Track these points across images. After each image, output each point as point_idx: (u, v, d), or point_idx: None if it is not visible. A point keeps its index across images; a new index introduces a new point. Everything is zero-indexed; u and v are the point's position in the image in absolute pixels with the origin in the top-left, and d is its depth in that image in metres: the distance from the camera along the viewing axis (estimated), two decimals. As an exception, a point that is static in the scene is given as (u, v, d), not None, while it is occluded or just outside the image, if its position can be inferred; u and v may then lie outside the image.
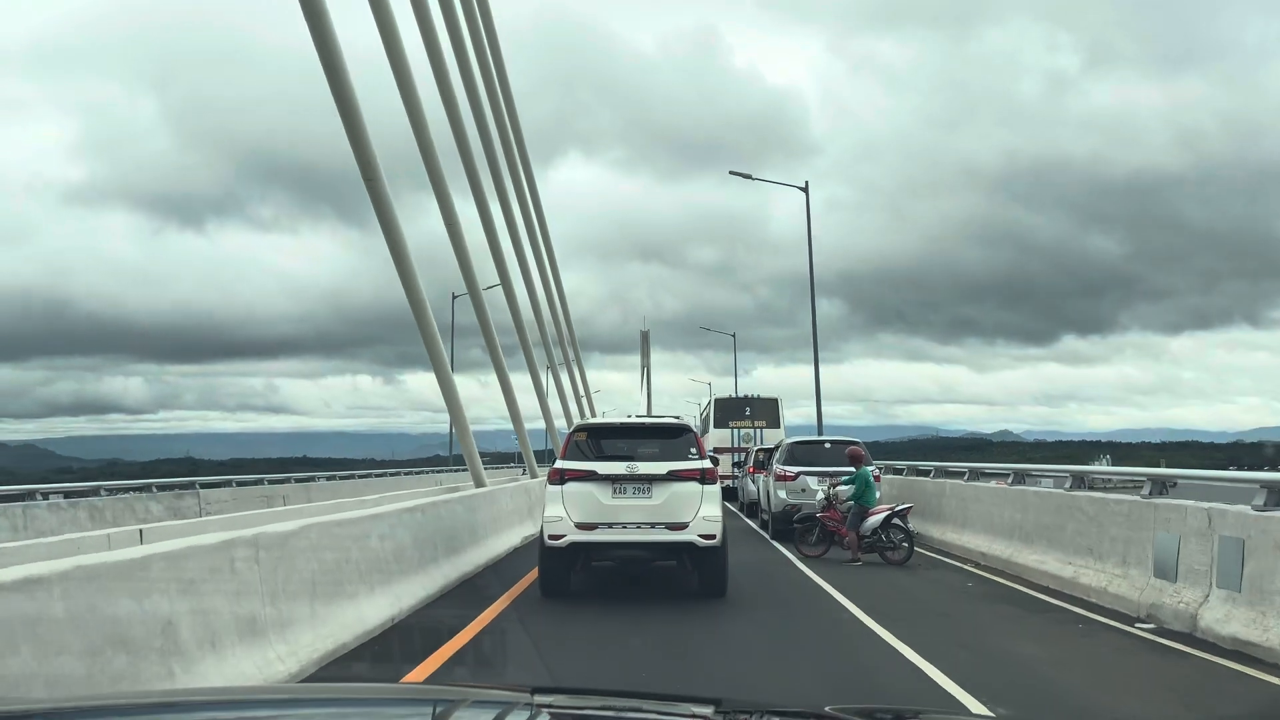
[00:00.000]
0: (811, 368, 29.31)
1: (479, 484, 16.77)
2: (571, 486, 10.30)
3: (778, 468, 17.51)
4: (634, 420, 12.79)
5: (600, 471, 10.25)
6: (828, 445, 17.59)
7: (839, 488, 14.62)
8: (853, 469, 14.70)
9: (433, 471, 48.68)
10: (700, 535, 10.10)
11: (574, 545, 10.24)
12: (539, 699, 2.24)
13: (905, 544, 13.86)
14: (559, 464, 10.70)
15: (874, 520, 13.92)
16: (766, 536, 18.22)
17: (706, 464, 10.51)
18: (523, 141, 25.28)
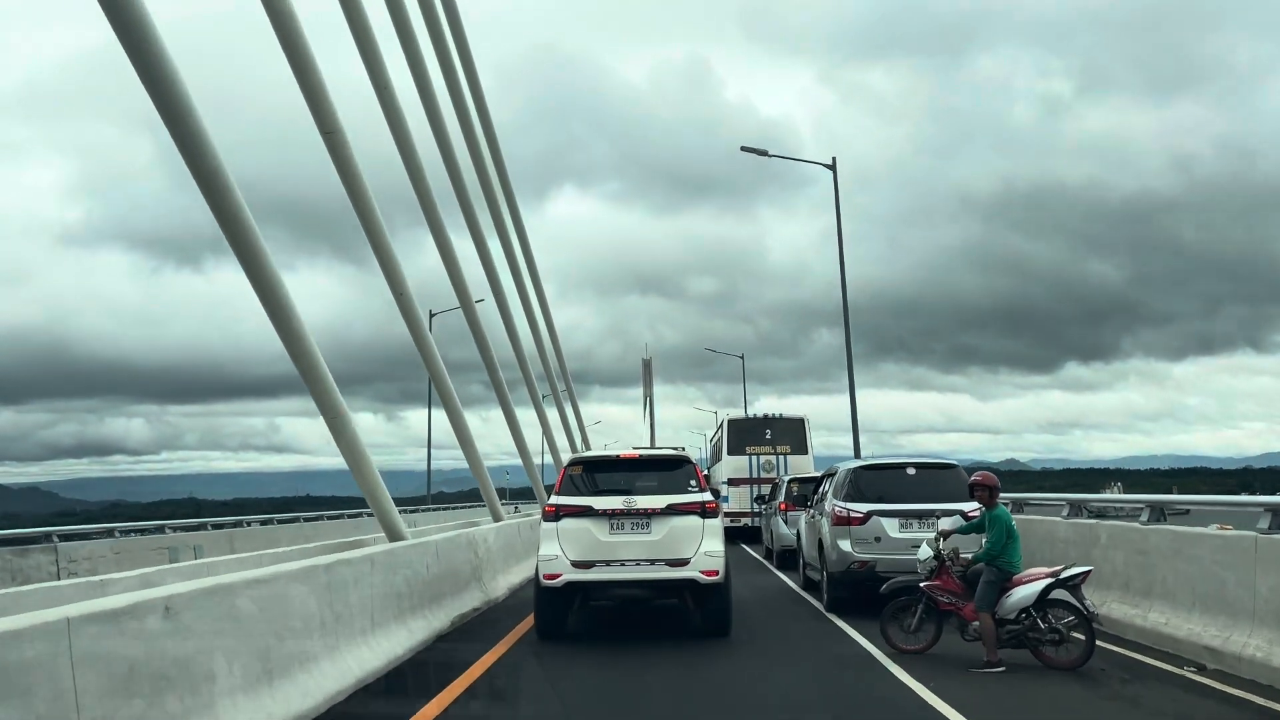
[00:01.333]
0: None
1: (393, 537, 11.25)
2: (567, 523, 9.87)
3: (836, 505, 11.82)
4: (629, 452, 11.42)
5: (596, 506, 9.86)
6: (911, 472, 11.89)
7: (947, 532, 9.05)
8: (976, 508, 9.16)
9: (409, 511, 43.39)
10: (702, 571, 9.69)
11: (570, 584, 9.81)
12: None
13: (1082, 635, 8.21)
14: (553, 499, 10.23)
15: (1023, 594, 8.27)
16: (819, 607, 12.53)
17: (707, 496, 10.06)
18: (501, 160, 21.76)
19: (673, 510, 9.80)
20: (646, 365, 77.39)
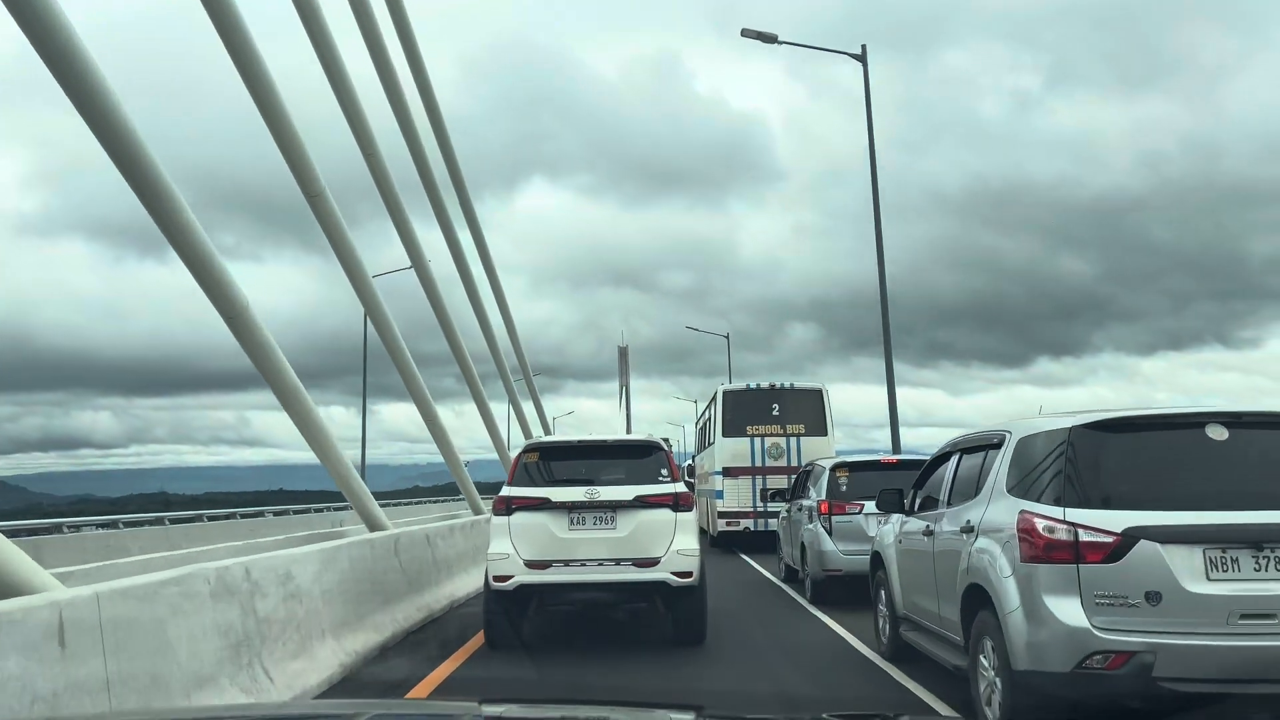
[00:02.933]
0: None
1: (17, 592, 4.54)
2: (520, 517, 8.66)
3: (1037, 516, 5.00)
4: (593, 438, 9.78)
5: (554, 499, 8.67)
6: (1219, 435, 5.02)
7: None
8: None
9: (329, 509, 36.39)
10: (674, 573, 8.51)
11: (523, 587, 8.57)
12: (487, 710, 2.26)
13: None
14: (505, 490, 8.97)
15: None
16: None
17: (680, 487, 8.88)
18: (440, 118, 18.12)
19: (641, 503, 8.65)
20: (623, 353, 73.39)
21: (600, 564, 8.58)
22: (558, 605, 9.36)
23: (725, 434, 21.49)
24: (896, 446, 20.05)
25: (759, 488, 20.35)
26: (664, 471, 9.04)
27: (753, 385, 22.23)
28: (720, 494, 21.26)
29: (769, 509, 19.42)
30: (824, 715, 2.16)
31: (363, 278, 12.64)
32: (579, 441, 9.66)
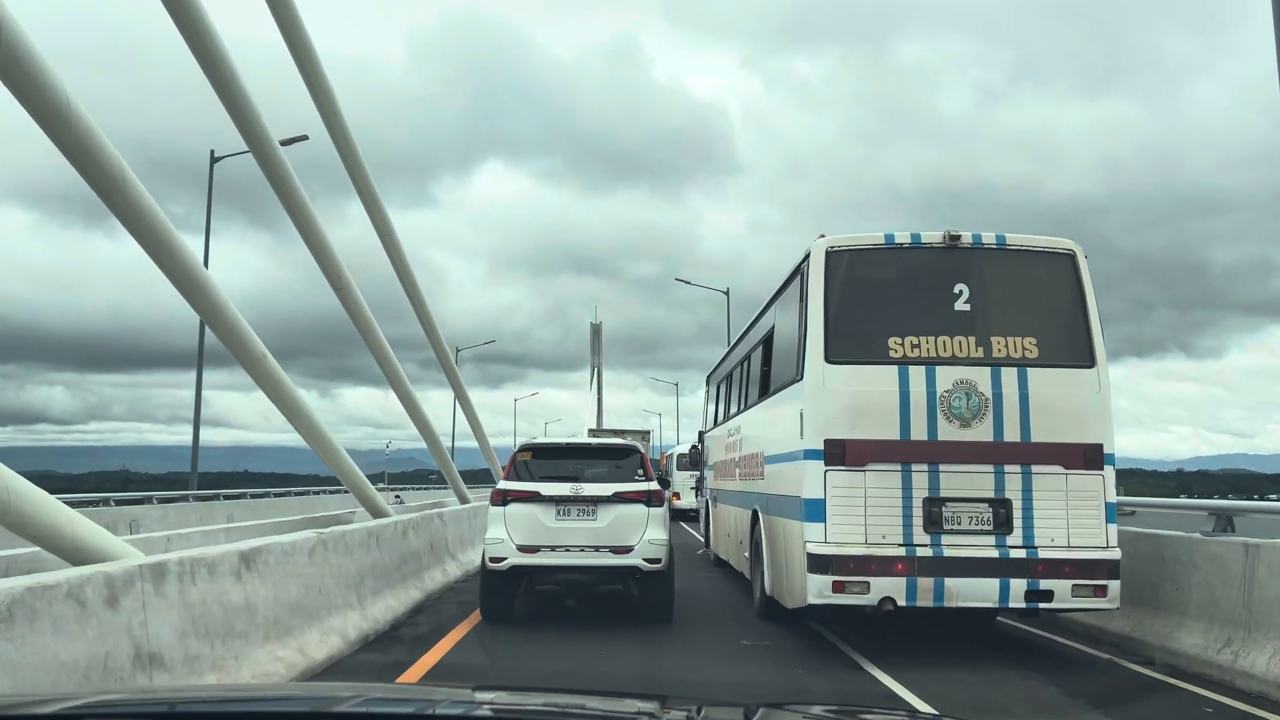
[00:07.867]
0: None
1: None
2: (514, 507, 10.19)
3: None
4: (580, 440, 12.50)
5: (544, 492, 10.20)
6: None
7: None
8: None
9: (239, 496, 32.75)
10: (645, 559, 10.00)
11: (515, 568, 10.13)
12: (479, 696, 2.33)
13: None
14: (501, 484, 10.55)
15: None
16: None
17: (654, 486, 10.37)
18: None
19: (619, 498, 10.15)
20: (595, 331, 70.52)
21: (582, 550, 10.03)
22: (545, 585, 11.00)
23: (832, 357, 8.82)
24: None
25: (923, 495, 8.48)
26: (639, 472, 10.60)
27: (897, 238, 9.21)
28: (819, 508, 8.51)
29: (958, 548, 8.42)
30: (780, 702, 2.12)
31: (330, 257, 12.11)
32: (567, 444, 11.65)
